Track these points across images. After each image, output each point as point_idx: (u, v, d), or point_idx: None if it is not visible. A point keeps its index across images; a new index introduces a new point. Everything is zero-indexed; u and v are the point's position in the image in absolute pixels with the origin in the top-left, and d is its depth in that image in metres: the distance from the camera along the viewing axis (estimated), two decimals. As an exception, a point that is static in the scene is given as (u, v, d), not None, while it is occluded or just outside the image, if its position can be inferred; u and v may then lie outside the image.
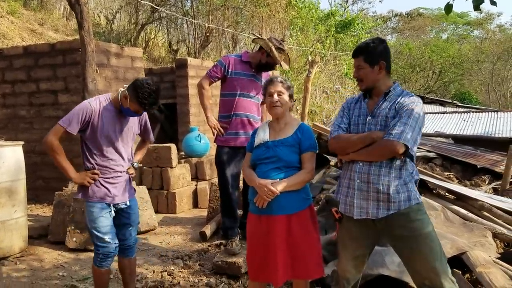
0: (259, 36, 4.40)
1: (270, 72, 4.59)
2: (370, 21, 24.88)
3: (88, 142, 3.07)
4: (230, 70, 4.24)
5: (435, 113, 16.04)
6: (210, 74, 4.31)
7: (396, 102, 2.54)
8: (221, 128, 4.25)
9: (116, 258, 3.26)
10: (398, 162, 2.53)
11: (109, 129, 3.07)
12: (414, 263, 2.53)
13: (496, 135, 11.76)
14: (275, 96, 2.88)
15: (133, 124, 3.25)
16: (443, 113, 16.01)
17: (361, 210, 2.54)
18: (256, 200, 2.77)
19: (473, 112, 15.67)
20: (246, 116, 4.28)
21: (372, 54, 2.60)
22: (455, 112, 16.03)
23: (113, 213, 3.13)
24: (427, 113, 16.39)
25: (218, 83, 4.45)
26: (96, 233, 3.05)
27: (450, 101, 25.63)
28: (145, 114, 3.32)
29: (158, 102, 3.08)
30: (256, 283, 2.96)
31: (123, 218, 3.22)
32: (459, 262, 3.69)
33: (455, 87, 35.28)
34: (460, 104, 24.29)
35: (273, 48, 4.17)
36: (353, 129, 2.65)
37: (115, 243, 3.12)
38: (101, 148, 3.07)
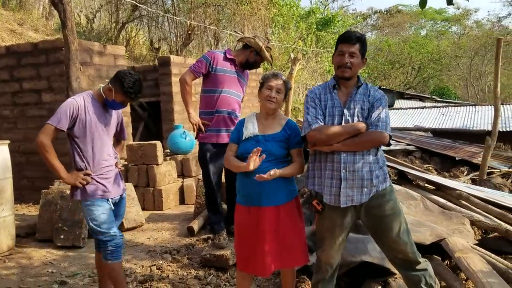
0: (242, 34, 4.46)
1: (253, 70, 4.67)
2: (350, 18, 25.13)
3: (78, 139, 3.09)
4: (214, 66, 4.21)
5: (415, 108, 16.34)
6: (194, 69, 4.24)
7: (368, 94, 2.69)
8: (202, 126, 4.23)
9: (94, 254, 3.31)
10: (375, 149, 2.70)
11: (97, 123, 3.12)
12: (387, 240, 2.74)
13: (474, 128, 12.07)
14: (274, 92, 2.93)
15: (113, 121, 3.30)
16: (423, 108, 16.32)
17: (347, 198, 2.66)
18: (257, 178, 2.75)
19: (451, 106, 16.01)
20: (228, 113, 4.27)
21: (365, 47, 2.74)
22: (434, 106, 16.36)
23: (112, 207, 3.20)
24: (406, 109, 16.70)
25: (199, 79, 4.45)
26: (100, 229, 3.08)
27: (429, 96, 26.12)
28: (121, 114, 3.41)
29: (142, 91, 3.17)
30: (243, 274, 3.03)
31: (114, 211, 3.28)
32: (438, 249, 3.85)
33: (434, 82, 35.88)
34: (439, 99, 24.77)
35: (264, 49, 4.22)
36: (328, 120, 2.70)
37: (120, 234, 3.18)
38: (91, 144, 3.10)
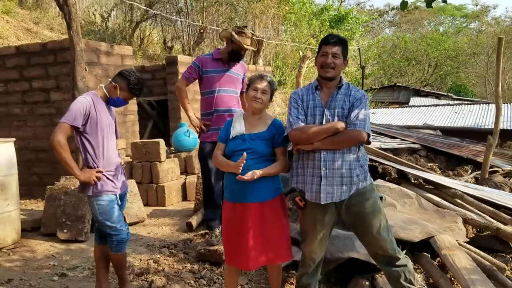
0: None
1: (246, 66, 4.75)
2: (364, 15, 24.98)
3: (90, 137, 3.20)
4: (204, 70, 4.37)
5: (428, 106, 16.22)
6: (186, 76, 4.44)
7: (349, 94, 2.79)
8: (203, 126, 4.39)
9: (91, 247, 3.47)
10: (355, 148, 2.79)
11: (105, 121, 3.26)
12: (367, 237, 2.84)
13: (486, 127, 11.95)
14: (259, 93, 3.03)
15: (113, 120, 3.45)
16: (436, 105, 16.19)
17: (327, 195, 2.75)
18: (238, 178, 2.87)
19: (465, 104, 15.84)
20: (227, 111, 4.37)
21: (347, 49, 2.89)
22: (448, 104, 16.21)
23: (119, 202, 3.36)
24: (419, 106, 16.58)
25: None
26: (109, 223, 3.24)
27: (446, 94, 25.84)
28: (114, 114, 3.52)
29: (144, 88, 3.36)
30: (230, 267, 3.15)
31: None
32: (429, 247, 3.90)
33: (452, 79, 35.42)
34: (455, 97, 24.50)
35: (233, 33, 4.31)
36: (309, 120, 2.82)
37: (126, 228, 3.35)
38: (102, 141, 3.23)
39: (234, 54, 4.40)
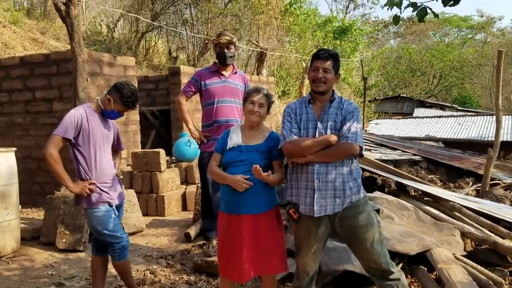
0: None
1: (246, 76, 4.80)
2: (368, 26, 25.07)
3: (82, 148, 3.24)
4: (202, 83, 4.48)
5: (431, 117, 16.20)
6: (186, 90, 4.57)
7: (341, 108, 2.82)
8: (203, 138, 4.48)
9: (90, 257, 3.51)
10: (348, 161, 2.81)
11: (98, 133, 3.29)
12: (360, 250, 2.85)
13: (489, 139, 11.91)
14: (256, 106, 3.06)
15: (111, 132, 3.48)
16: (439, 117, 16.16)
17: (320, 208, 2.77)
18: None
19: (469, 116, 15.81)
20: (227, 121, 4.43)
21: (338, 64, 2.93)
22: (451, 116, 16.18)
23: (117, 212, 3.39)
24: (423, 117, 16.56)
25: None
26: (108, 233, 3.28)
27: (450, 105, 25.81)
28: (116, 126, 3.58)
29: (138, 100, 3.38)
30: (226, 280, 3.14)
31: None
32: (426, 260, 3.89)
33: (457, 91, 35.38)
34: (459, 108, 24.46)
35: (214, 38, 4.51)
36: (303, 133, 2.85)
37: (126, 235, 3.39)
38: (95, 153, 3.26)
39: (219, 56, 4.47)
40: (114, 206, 3.36)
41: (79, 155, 3.25)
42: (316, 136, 2.80)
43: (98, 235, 3.35)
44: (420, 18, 2.81)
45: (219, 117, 4.46)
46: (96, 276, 3.55)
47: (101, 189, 3.28)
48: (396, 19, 2.93)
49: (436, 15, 2.83)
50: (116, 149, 3.68)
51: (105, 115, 3.36)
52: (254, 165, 2.81)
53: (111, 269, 3.78)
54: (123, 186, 3.62)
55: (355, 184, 2.83)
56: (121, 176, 3.61)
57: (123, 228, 3.54)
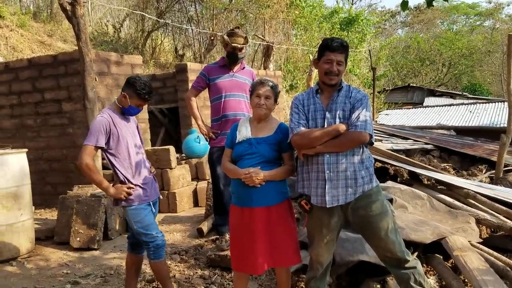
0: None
1: (254, 72, 4.78)
2: (375, 16, 24.87)
3: (115, 152, 3.26)
4: (210, 77, 4.50)
5: (442, 105, 16.04)
6: (195, 86, 4.60)
7: (350, 96, 2.78)
8: (212, 134, 4.49)
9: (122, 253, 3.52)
10: (359, 150, 2.77)
11: (127, 133, 3.32)
12: (375, 240, 2.82)
13: (502, 125, 11.77)
14: (262, 99, 3.04)
15: (135, 129, 3.50)
16: (450, 105, 16.00)
17: (332, 198, 2.74)
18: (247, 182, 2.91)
19: (480, 103, 15.62)
20: (235, 116, 4.43)
21: (348, 54, 2.86)
22: (462, 104, 16.01)
23: (153, 209, 3.41)
24: (433, 106, 16.40)
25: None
26: (144, 231, 3.28)
27: (461, 93, 25.54)
28: (136, 121, 3.56)
29: (153, 91, 3.38)
30: (239, 273, 3.14)
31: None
32: (442, 248, 3.85)
33: (467, 78, 35.01)
34: (470, 96, 24.20)
35: (225, 37, 4.41)
36: (311, 124, 2.83)
37: (162, 234, 3.39)
38: (128, 153, 3.29)
39: (230, 56, 4.46)
40: (151, 202, 3.38)
41: (113, 159, 3.28)
42: (325, 126, 2.78)
43: (135, 234, 3.36)
44: (428, 2, 2.77)
45: (227, 111, 4.47)
46: (130, 274, 3.59)
47: (140, 187, 3.31)
48: (404, 5, 2.89)
49: (445, 0, 2.77)
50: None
51: (125, 112, 3.36)
52: (252, 170, 2.86)
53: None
54: (157, 180, 3.61)
55: (367, 173, 2.80)
56: (154, 171, 3.59)
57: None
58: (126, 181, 3.28)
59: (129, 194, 3.24)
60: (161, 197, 3.57)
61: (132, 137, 3.37)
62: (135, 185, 3.28)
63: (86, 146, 3.16)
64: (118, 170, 3.28)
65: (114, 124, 3.24)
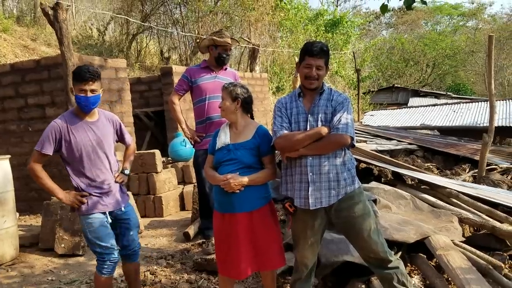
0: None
1: (237, 73, 4.79)
2: (359, 18, 25.06)
3: (68, 159, 3.15)
4: (193, 80, 4.50)
5: (426, 106, 16.22)
6: (177, 89, 4.58)
7: (331, 99, 2.81)
8: (197, 138, 4.49)
9: (120, 264, 3.40)
10: (341, 152, 2.81)
11: (83, 140, 3.14)
12: (358, 241, 2.86)
13: (484, 125, 11.91)
14: (222, 102, 3.08)
15: (107, 132, 3.29)
16: (434, 105, 16.18)
17: (315, 200, 2.78)
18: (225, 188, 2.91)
19: (463, 103, 15.83)
20: (220, 117, 4.43)
21: (329, 58, 2.89)
22: (446, 103, 16.19)
23: (109, 220, 3.23)
24: (418, 107, 16.57)
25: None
26: (99, 242, 3.14)
27: (445, 93, 25.85)
28: (118, 120, 3.42)
29: (87, 71, 3.06)
30: (224, 277, 3.15)
31: (123, 225, 3.33)
32: (426, 247, 3.89)
33: (451, 78, 35.42)
34: (454, 96, 24.49)
35: (216, 38, 4.44)
36: (294, 127, 2.86)
37: (118, 248, 3.24)
38: (82, 161, 3.14)
39: (220, 58, 4.47)
40: (107, 213, 3.22)
41: (67, 165, 3.18)
42: (308, 129, 2.81)
43: (89, 244, 3.22)
44: (407, 6, 2.81)
45: (211, 113, 4.47)
46: (129, 282, 3.56)
47: (93, 195, 3.17)
48: (384, 8, 2.93)
49: (424, 2, 2.82)
50: (123, 143, 3.53)
51: (80, 107, 3.13)
52: (230, 176, 2.87)
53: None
54: (125, 191, 3.45)
55: (349, 175, 2.84)
56: (121, 181, 3.37)
57: (135, 234, 3.42)
58: (80, 189, 3.16)
59: (81, 202, 3.12)
60: (123, 209, 3.32)
61: (94, 144, 3.18)
62: (89, 194, 3.16)
63: (34, 151, 3.10)
64: (71, 177, 3.18)
65: (68, 129, 3.10)
